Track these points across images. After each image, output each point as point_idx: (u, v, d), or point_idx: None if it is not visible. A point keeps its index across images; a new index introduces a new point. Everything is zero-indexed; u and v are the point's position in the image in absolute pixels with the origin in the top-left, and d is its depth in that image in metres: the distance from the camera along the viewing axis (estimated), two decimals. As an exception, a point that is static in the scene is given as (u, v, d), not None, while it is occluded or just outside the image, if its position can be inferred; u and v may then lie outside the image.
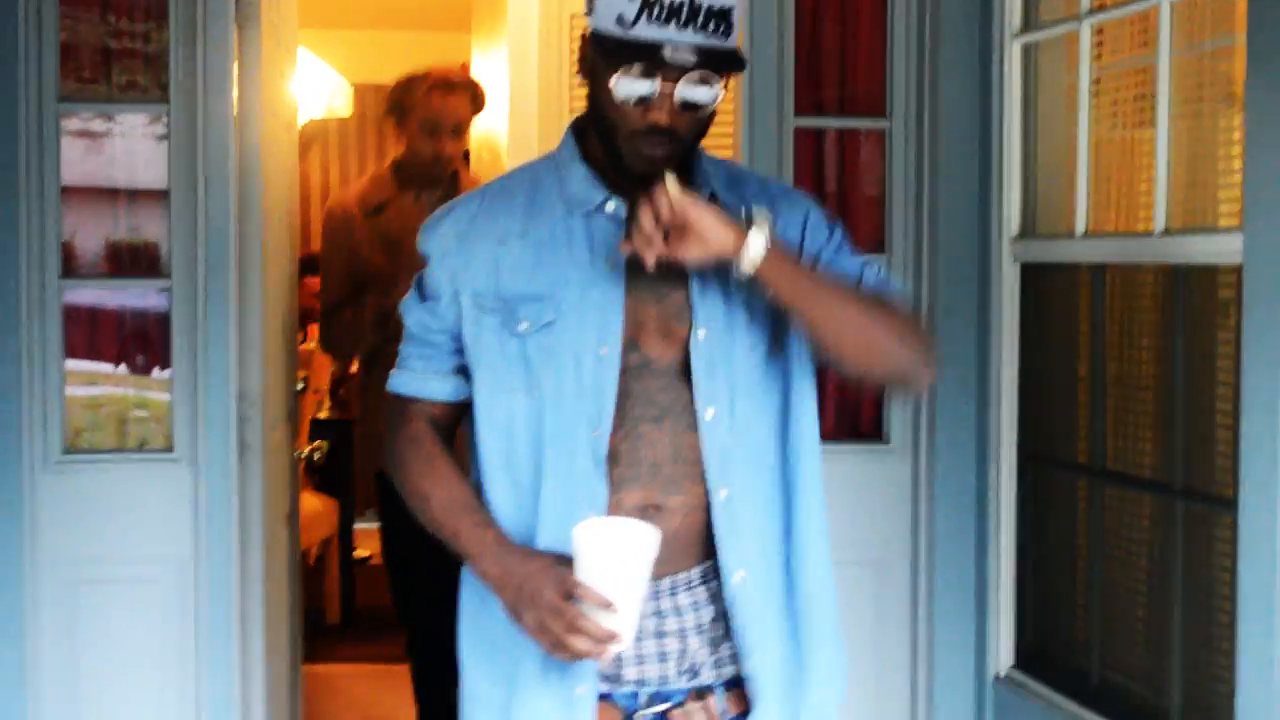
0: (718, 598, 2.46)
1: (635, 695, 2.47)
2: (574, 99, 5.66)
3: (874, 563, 4.19)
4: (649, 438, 2.42)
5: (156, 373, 4.16)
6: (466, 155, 5.43)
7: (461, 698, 2.56)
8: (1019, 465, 4.11)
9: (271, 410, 4.32)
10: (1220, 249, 3.26)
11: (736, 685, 2.49)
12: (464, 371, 2.52)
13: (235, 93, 4.07)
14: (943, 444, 4.20)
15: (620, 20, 2.29)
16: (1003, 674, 4.12)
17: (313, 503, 6.68)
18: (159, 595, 4.08)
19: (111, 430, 4.15)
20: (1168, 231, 3.48)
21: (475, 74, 6.49)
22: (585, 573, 2.27)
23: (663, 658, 2.46)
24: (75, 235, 4.11)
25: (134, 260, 4.16)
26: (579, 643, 2.27)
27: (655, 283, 2.42)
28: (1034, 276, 4.07)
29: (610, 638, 2.27)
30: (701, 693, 2.48)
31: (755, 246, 2.28)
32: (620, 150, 2.38)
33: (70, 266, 4.09)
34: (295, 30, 4.91)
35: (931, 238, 4.21)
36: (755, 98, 4.16)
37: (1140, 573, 3.65)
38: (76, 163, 4.11)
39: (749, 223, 2.30)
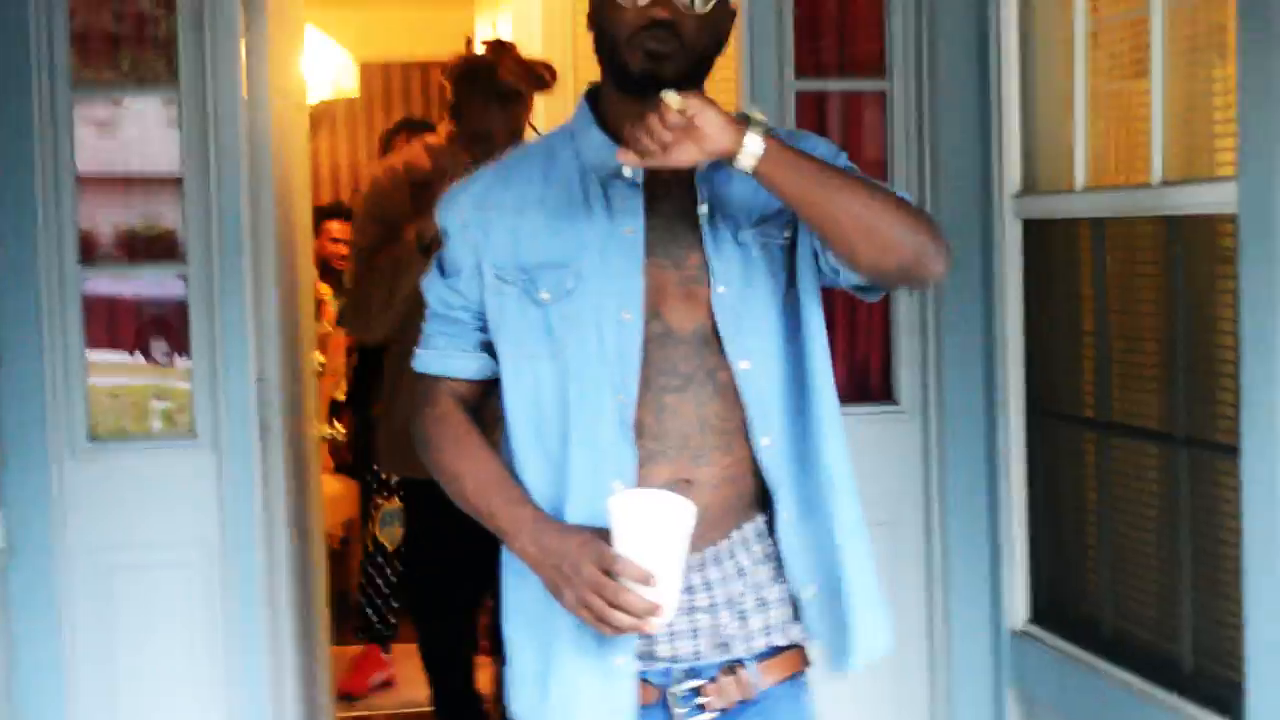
0: (744, 572, 2.47)
1: (668, 672, 2.45)
2: (579, 72, 5.67)
3: (888, 523, 4.19)
4: (673, 407, 2.41)
5: (176, 359, 4.18)
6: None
7: (507, 673, 2.54)
8: (1027, 421, 4.13)
9: (291, 392, 4.35)
10: (1217, 198, 3.27)
11: (768, 656, 2.50)
12: (489, 348, 2.51)
13: (243, 76, 4.08)
14: (951, 403, 4.23)
15: None
16: (1018, 628, 4.14)
17: (333, 485, 6.71)
18: (187, 578, 4.12)
19: (134, 417, 4.19)
20: (1165, 183, 3.50)
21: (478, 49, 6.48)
22: (623, 546, 2.26)
23: (695, 634, 2.44)
24: (92, 223, 4.13)
25: (149, 247, 4.19)
26: (621, 618, 2.27)
27: (672, 246, 2.43)
28: (1037, 232, 4.09)
29: (652, 610, 2.27)
30: (732, 666, 2.47)
31: (754, 140, 2.24)
32: (624, 59, 2.38)
33: (87, 255, 4.11)
34: (301, 9, 4.92)
35: (934, 197, 4.22)
36: (756, 61, 4.18)
37: (1149, 523, 3.67)
38: (89, 150, 4.13)
39: (746, 120, 2.27)
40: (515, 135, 4.52)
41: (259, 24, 4.16)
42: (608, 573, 2.28)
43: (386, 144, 6.54)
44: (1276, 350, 3.00)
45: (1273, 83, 2.98)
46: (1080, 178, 3.85)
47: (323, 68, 7.95)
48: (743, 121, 2.26)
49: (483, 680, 4.86)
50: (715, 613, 2.45)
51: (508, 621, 2.54)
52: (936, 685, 4.32)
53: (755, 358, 2.45)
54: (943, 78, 4.21)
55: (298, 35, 4.78)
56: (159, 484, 4.11)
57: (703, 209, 2.45)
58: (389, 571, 6.49)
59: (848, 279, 2.45)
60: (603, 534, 2.30)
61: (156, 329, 4.24)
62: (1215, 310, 3.39)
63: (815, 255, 2.47)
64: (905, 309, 4.28)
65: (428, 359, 2.56)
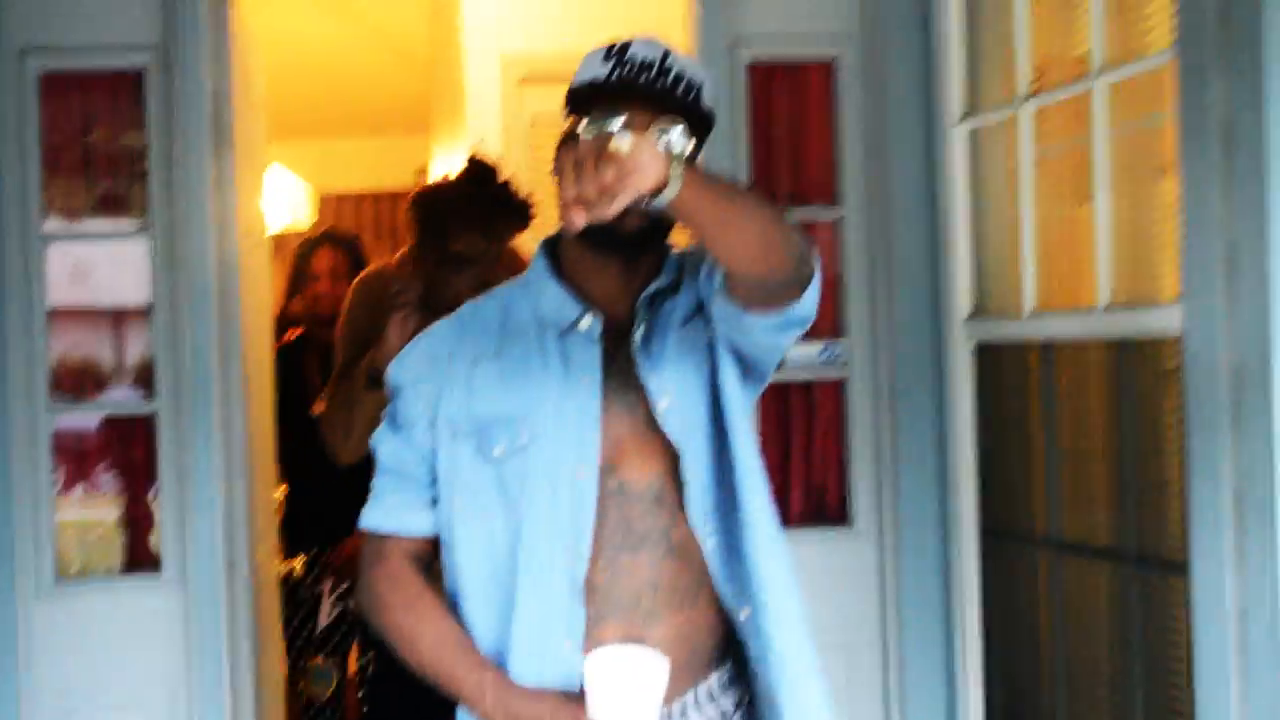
0: None
1: None
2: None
3: (844, 646, 4.21)
4: (626, 568, 2.38)
5: (143, 493, 4.18)
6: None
7: None
8: (981, 542, 4.16)
9: (257, 526, 4.35)
10: (1162, 322, 3.32)
11: None
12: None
13: (212, 210, 4.12)
14: (906, 524, 4.26)
15: (593, 81, 2.36)
16: (976, 747, 4.18)
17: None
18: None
19: (101, 553, 4.18)
20: (1112, 306, 3.56)
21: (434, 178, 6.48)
22: (600, 707, 2.23)
23: None
24: (60, 357, 4.15)
25: (117, 379, 4.21)
26: None
27: (628, 392, 2.40)
28: (988, 355, 4.16)
29: None
30: None
31: (676, 165, 2.02)
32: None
33: (56, 389, 4.12)
34: (265, 148, 4.96)
35: (888, 321, 4.29)
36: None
37: (1101, 641, 3.70)
38: (58, 286, 4.14)
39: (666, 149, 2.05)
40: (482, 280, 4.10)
41: (226, 162, 4.19)
42: None
43: (306, 255, 5.72)
44: (1222, 469, 3.04)
45: (1213, 208, 3.04)
46: (1029, 302, 3.91)
47: (282, 199, 7.99)
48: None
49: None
50: None
51: None
52: (897, 806, 4.33)
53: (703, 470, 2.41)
54: (895, 203, 4.29)
55: (261, 172, 4.83)
56: (124, 623, 4.09)
57: (637, 334, 2.42)
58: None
59: (742, 306, 2.32)
60: (570, 696, 2.29)
61: (125, 462, 4.23)
62: (1162, 430, 3.44)
63: (727, 330, 2.39)
64: (860, 432, 4.33)
65: (378, 517, 2.50)
